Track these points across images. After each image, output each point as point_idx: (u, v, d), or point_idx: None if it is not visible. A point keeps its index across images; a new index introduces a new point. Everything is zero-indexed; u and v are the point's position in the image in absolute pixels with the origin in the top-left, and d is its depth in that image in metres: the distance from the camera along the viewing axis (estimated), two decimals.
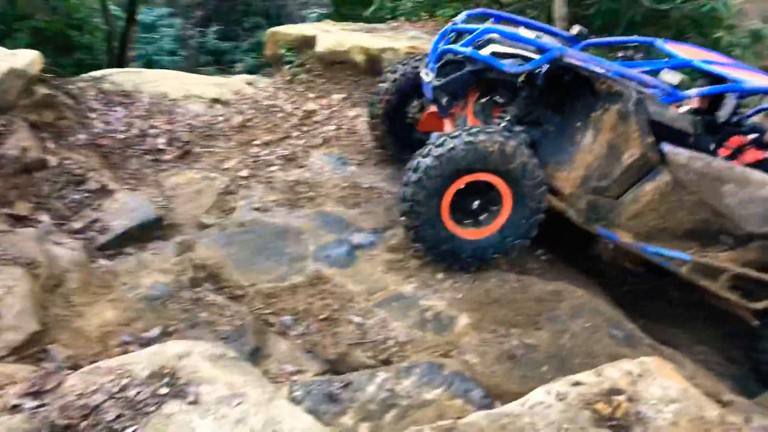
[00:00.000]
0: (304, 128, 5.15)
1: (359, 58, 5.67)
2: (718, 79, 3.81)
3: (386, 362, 3.21)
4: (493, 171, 3.49)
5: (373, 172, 4.71)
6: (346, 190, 4.49)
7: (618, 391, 2.59)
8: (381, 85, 4.57)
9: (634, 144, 3.55)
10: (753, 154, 4.09)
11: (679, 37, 7.57)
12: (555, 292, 3.60)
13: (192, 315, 3.22)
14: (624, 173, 3.63)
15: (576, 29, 4.27)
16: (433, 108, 4.18)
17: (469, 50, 3.73)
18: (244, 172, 4.68)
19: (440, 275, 3.68)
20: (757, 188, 3.70)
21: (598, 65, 3.61)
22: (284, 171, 4.71)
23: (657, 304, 4.81)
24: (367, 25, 6.67)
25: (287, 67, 5.83)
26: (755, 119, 4.71)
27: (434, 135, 3.62)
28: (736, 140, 4.20)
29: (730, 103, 4.30)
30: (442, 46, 3.95)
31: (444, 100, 3.90)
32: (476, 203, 3.62)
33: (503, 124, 3.79)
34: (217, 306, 3.31)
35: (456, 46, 3.82)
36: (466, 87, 3.90)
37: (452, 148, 3.40)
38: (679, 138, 3.62)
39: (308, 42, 5.83)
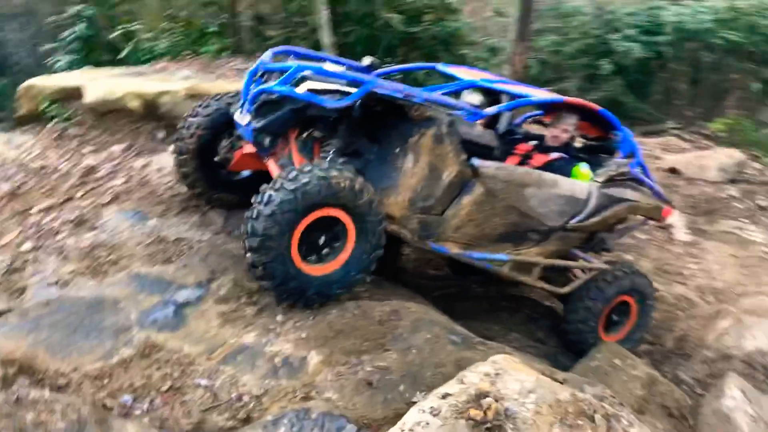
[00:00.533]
0: (88, 186, 4.72)
1: (135, 104, 5.34)
2: (495, 94, 4.25)
3: (247, 420, 3.06)
4: (342, 206, 3.52)
5: (177, 223, 4.46)
6: (153, 247, 4.20)
7: (484, 394, 2.75)
8: (191, 119, 4.35)
9: (451, 163, 3.85)
10: (539, 158, 4.57)
11: (431, 55, 8.28)
12: (393, 311, 3.70)
13: (16, 420, 2.77)
14: (445, 190, 3.91)
15: (368, 60, 4.49)
16: (248, 148, 4.10)
17: (288, 89, 3.72)
18: (28, 245, 4.17)
19: (279, 317, 3.59)
20: (551, 188, 4.20)
21: (409, 93, 3.81)
22: (75, 236, 4.27)
23: (466, 304, 5.19)
24: (134, 69, 6.31)
25: (53, 122, 5.28)
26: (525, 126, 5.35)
27: (286, 169, 3.58)
28: (522, 147, 4.68)
29: (506, 115, 4.82)
30: (255, 87, 3.88)
31: (266, 141, 3.85)
32: (322, 239, 3.60)
33: (329, 158, 3.83)
34: (43, 402, 2.88)
35: (274, 87, 3.76)
36: (287, 126, 3.89)
37: (307, 183, 3.37)
38: (485, 152, 4.00)
39: (73, 93, 5.35)
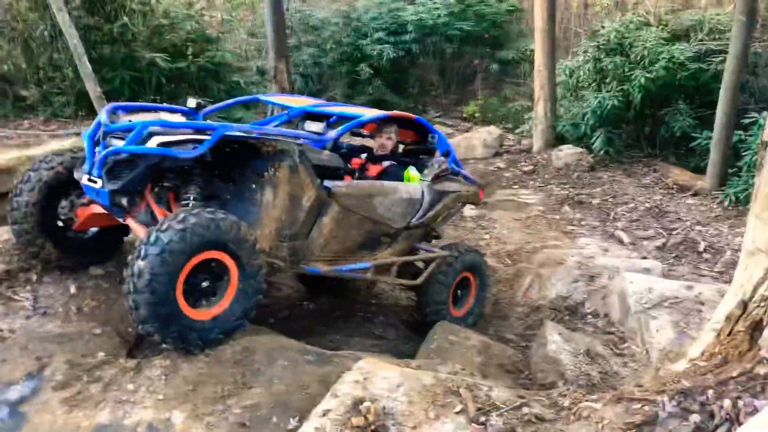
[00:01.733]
0: None
1: None
2: (317, 116, 4.63)
3: None
4: (226, 249, 3.55)
5: None
6: None
7: (360, 400, 2.90)
8: (18, 199, 4.11)
9: (309, 188, 4.12)
10: (374, 169, 5.03)
11: (203, 87, 8.22)
12: (244, 348, 3.70)
13: None
14: (307, 215, 4.17)
15: (194, 102, 4.60)
16: (94, 208, 4.04)
17: (141, 147, 3.64)
18: None
19: (130, 386, 3.41)
20: (393, 194, 4.65)
21: (258, 131, 3.96)
22: None
23: (302, 323, 5.30)
24: None
25: None
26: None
27: (175, 212, 3.55)
28: (356, 161, 5.08)
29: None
30: (101, 150, 3.74)
31: (124, 202, 3.78)
32: (205, 283, 3.57)
33: (191, 205, 3.83)
34: None
35: (126, 147, 3.65)
36: (145, 183, 3.84)
37: (195, 224, 3.36)
38: (334, 173, 4.38)
39: None
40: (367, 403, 2.88)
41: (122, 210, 3.86)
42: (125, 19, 7.46)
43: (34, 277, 4.39)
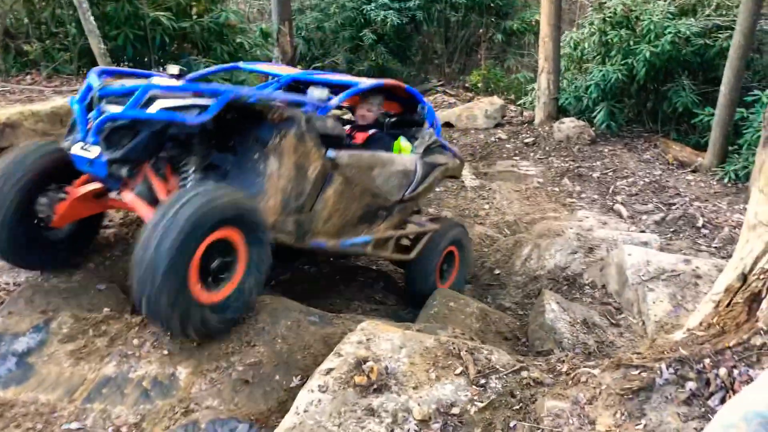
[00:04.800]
0: None
1: None
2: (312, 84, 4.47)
3: None
4: (239, 225, 3.34)
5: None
6: None
7: (363, 360, 2.96)
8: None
9: (315, 158, 3.93)
10: (360, 136, 4.90)
11: (207, 48, 8.16)
12: (249, 308, 3.75)
13: None
14: (313, 187, 3.98)
15: (175, 69, 4.13)
16: (80, 191, 3.75)
17: (143, 112, 3.38)
18: None
19: (135, 341, 3.48)
20: (390, 165, 4.52)
21: (267, 97, 3.78)
22: None
23: (304, 286, 5.36)
24: None
25: None
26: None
27: (185, 188, 3.39)
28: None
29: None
30: (95, 115, 3.48)
31: (124, 172, 3.48)
32: (216, 263, 3.33)
33: (191, 177, 3.65)
34: None
35: (126, 112, 3.38)
36: (148, 151, 3.54)
37: (212, 200, 3.14)
38: (337, 143, 4.16)
39: None
40: (370, 363, 2.94)
41: (119, 182, 3.58)
42: None
43: None
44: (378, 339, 3.13)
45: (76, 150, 3.53)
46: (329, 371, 2.93)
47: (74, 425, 3.04)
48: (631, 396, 2.58)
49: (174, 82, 3.68)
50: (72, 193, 3.81)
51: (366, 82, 4.67)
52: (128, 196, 3.63)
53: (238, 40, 8.21)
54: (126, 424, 3.08)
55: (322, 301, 4.84)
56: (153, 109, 3.41)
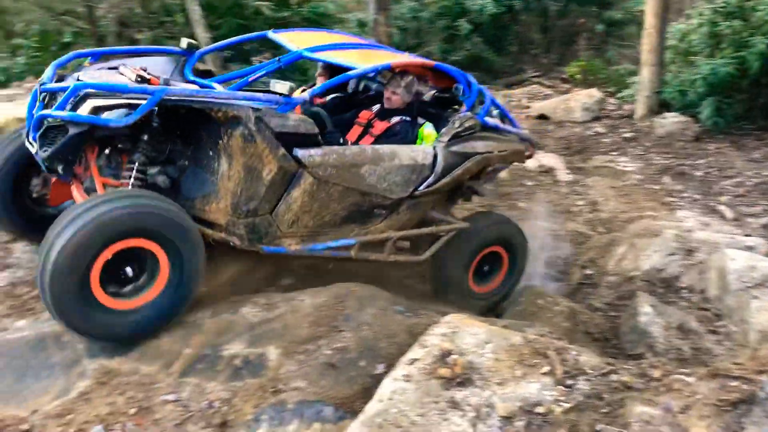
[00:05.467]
0: None
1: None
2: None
3: (223, 425, 3.12)
4: (151, 237, 3.33)
5: None
6: None
7: (448, 353, 2.97)
8: None
9: (269, 160, 3.67)
10: (379, 126, 4.51)
11: None
12: (336, 294, 3.83)
13: None
14: (269, 189, 3.75)
15: (185, 43, 4.29)
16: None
17: (65, 114, 3.38)
18: None
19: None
20: (389, 161, 4.10)
21: (205, 96, 3.56)
22: None
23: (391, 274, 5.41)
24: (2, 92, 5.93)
25: None
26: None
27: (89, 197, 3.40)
28: (364, 115, 4.63)
29: (353, 80, 4.98)
30: (37, 112, 3.57)
31: (60, 168, 3.52)
32: (129, 271, 3.39)
33: (134, 174, 3.61)
34: None
35: (52, 111, 3.43)
36: (77, 149, 3.54)
37: (108, 211, 3.19)
38: (307, 141, 3.81)
39: None
40: (454, 356, 2.95)
41: (64, 176, 3.63)
42: None
43: None
44: (463, 333, 3.13)
45: (27, 144, 3.68)
46: (413, 361, 2.96)
47: (171, 396, 3.21)
48: (728, 408, 2.47)
49: (116, 79, 3.64)
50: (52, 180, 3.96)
51: (366, 66, 4.28)
52: (74, 191, 3.70)
53: (335, 30, 8.33)
54: (219, 399, 3.22)
55: (408, 290, 4.87)
56: (84, 108, 3.40)
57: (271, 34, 4.74)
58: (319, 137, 3.89)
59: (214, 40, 7.24)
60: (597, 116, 10.83)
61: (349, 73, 4.11)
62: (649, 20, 10.25)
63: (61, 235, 3.11)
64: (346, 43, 4.73)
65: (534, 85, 13.49)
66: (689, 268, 5.40)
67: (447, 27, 14.73)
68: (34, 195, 4.15)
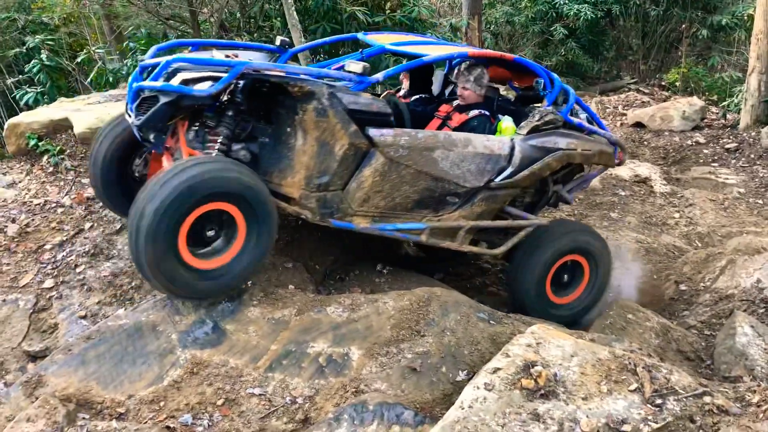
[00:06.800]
0: (95, 217, 4.74)
1: None
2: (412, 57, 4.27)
3: (305, 421, 3.19)
4: (229, 200, 3.49)
5: None
6: None
7: (532, 364, 2.92)
8: (97, 147, 4.32)
9: (340, 135, 3.78)
10: (457, 118, 4.50)
11: None
12: (420, 298, 3.84)
13: None
14: (341, 164, 3.84)
15: (279, 41, 4.55)
16: (154, 155, 4.12)
17: (157, 84, 3.64)
18: (49, 282, 4.21)
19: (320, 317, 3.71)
20: (463, 147, 4.09)
21: (284, 71, 3.75)
22: (94, 268, 4.33)
23: (477, 280, 5.38)
24: (112, 93, 6.29)
25: (45, 157, 5.26)
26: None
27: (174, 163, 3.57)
28: (444, 108, 4.66)
29: (438, 77, 5.00)
30: (136, 85, 3.82)
31: (152, 137, 3.75)
32: (210, 232, 3.60)
33: (218, 147, 3.81)
34: None
35: (146, 82, 3.72)
36: (167, 119, 3.74)
37: (195, 176, 3.35)
38: (380, 120, 3.90)
39: (60, 126, 5.33)
40: (538, 367, 2.89)
41: (156, 145, 3.82)
42: None
43: None
44: (548, 344, 3.07)
45: (126, 116, 3.95)
46: (496, 370, 2.92)
47: (257, 390, 3.31)
48: None
49: (202, 55, 3.92)
50: (149, 157, 4.25)
51: (436, 53, 4.26)
52: (165, 161, 3.92)
53: (428, 35, 8.36)
54: (302, 395, 3.30)
55: (493, 299, 4.83)
56: (175, 80, 3.66)
57: (362, 36, 4.89)
58: (392, 118, 3.97)
59: None
60: (697, 125, 10.37)
61: (424, 58, 4.14)
62: (759, 25, 9.73)
63: (156, 195, 3.29)
64: (429, 41, 4.83)
65: (630, 92, 13.05)
66: None
67: (541, 32, 14.49)
68: (137, 174, 4.41)
